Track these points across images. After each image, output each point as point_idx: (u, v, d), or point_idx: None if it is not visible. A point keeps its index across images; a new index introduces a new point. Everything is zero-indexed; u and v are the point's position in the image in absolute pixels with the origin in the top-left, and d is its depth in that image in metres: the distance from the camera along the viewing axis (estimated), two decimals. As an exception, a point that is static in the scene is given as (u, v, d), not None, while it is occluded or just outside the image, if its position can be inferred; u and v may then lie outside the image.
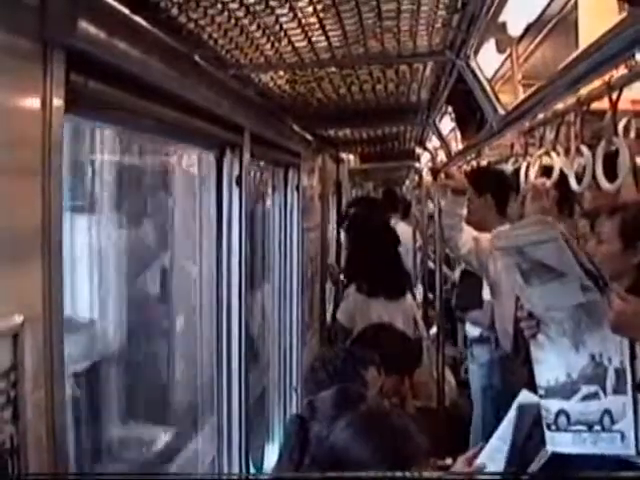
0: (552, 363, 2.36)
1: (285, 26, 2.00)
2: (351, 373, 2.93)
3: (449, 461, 3.35)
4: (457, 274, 5.60)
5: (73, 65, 1.54)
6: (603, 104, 2.46)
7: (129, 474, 1.70)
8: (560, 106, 2.80)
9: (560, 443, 2.35)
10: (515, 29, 3.53)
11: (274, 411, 4.66)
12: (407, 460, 2.08)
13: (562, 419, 2.33)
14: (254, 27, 1.96)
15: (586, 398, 2.29)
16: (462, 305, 5.04)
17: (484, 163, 5.30)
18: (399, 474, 1.97)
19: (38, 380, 1.42)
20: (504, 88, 4.34)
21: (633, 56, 1.61)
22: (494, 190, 4.40)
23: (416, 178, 8.99)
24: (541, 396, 2.39)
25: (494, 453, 2.56)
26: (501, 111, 2.28)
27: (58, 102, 1.49)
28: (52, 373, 1.46)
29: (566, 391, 2.32)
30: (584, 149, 2.70)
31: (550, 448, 2.38)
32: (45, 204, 1.45)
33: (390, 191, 9.86)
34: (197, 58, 2.15)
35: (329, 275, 6.18)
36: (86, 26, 1.54)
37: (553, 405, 2.34)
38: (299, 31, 2.00)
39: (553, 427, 2.35)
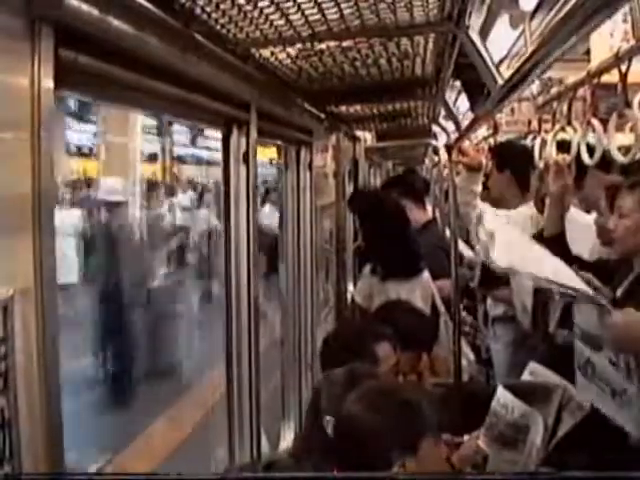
0: None
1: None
2: (364, 348, 2.93)
3: (466, 438, 3.33)
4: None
5: (62, 41, 1.54)
6: (616, 78, 2.43)
7: (129, 474, 1.71)
8: (571, 80, 2.77)
9: None
10: (527, 4, 3.49)
11: (289, 389, 4.67)
12: (415, 434, 2.09)
13: None
14: (245, 0, 1.94)
15: None
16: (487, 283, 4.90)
17: (499, 140, 5.25)
18: (401, 474, 1.98)
19: (30, 352, 1.44)
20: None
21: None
22: (516, 166, 4.34)
23: (434, 157, 8.92)
24: None
25: None
26: (500, 81, 2.25)
27: (47, 78, 1.50)
28: (44, 345, 1.47)
29: None
30: (595, 122, 2.67)
31: None
32: (35, 179, 1.46)
33: (408, 170, 9.87)
34: (193, 33, 2.14)
35: (354, 253, 6.13)
36: (74, 1, 1.54)
37: None
38: (292, 3, 1.99)
39: None
